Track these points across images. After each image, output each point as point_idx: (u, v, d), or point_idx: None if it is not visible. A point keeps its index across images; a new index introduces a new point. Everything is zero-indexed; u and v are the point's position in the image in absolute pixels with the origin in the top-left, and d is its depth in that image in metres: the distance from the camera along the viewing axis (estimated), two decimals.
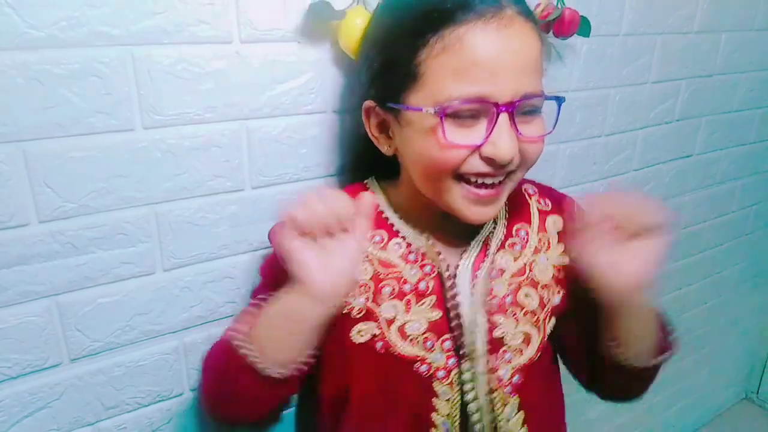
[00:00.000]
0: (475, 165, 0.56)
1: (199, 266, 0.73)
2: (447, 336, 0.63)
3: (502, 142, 0.54)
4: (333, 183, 0.79)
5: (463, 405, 0.65)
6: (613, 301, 0.61)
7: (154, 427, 0.76)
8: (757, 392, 1.98)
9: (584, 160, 1.10)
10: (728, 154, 1.40)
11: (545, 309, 0.68)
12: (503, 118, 0.54)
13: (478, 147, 0.55)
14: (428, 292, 0.64)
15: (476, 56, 0.52)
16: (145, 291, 0.70)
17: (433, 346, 0.63)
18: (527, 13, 0.56)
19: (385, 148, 0.64)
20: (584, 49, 0.99)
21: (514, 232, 0.69)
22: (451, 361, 0.64)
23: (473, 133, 0.55)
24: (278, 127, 0.72)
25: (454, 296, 0.64)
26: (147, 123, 0.64)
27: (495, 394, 0.65)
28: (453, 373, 0.64)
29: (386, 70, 0.59)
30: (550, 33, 0.86)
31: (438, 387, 0.64)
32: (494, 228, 0.68)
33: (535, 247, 0.69)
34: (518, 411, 0.66)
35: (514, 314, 0.66)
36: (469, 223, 0.61)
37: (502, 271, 0.66)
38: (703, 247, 1.49)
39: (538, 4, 0.83)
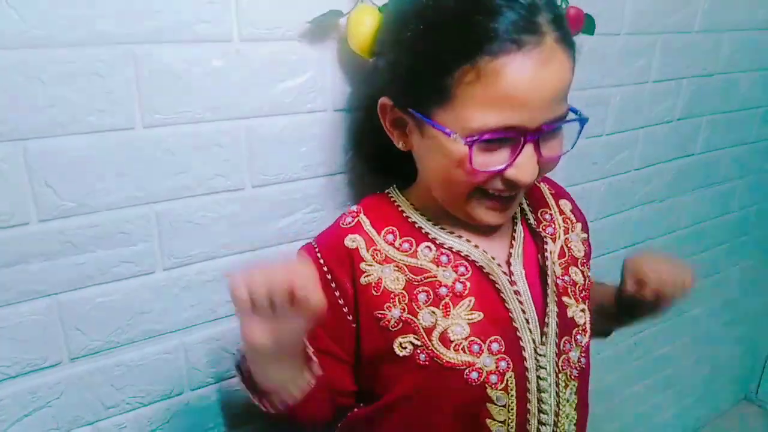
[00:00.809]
0: (496, 185, 0.58)
1: (200, 265, 0.73)
2: (495, 337, 0.61)
3: (525, 168, 0.55)
4: (333, 182, 0.79)
5: (519, 409, 0.63)
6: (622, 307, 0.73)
7: (154, 427, 0.76)
8: (757, 392, 1.98)
9: (585, 160, 1.10)
10: (729, 154, 1.40)
11: (585, 284, 0.71)
12: (529, 146, 0.55)
13: (501, 171, 0.56)
14: (466, 294, 0.62)
15: (512, 89, 0.51)
16: (145, 290, 0.70)
17: (480, 350, 0.61)
18: (566, 37, 0.54)
19: (400, 144, 0.64)
20: (585, 49, 0.99)
21: (540, 217, 0.71)
22: (503, 364, 0.61)
23: (497, 158, 0.55)
24: (279, 126, 0.72)
25: (514, 284, 0.64)
26: (147, 122, 0.64)
27: (560, 376, 0.65)
28: (507, 376, 0.62)
29: (413, 78, 0.57)
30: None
31: (492, 393, 0.61)
32: (525, 215, 0.70)
33: (564, 226, 0.71)
34: (574, 395, 0.67)
35: (573, 293, 0.68)
36: (485, 226, 0.63)
37: (551, 253, 0.68)
38: (703, 247, 1.49)
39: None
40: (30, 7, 0.54)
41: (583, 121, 0.59)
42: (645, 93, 1.13)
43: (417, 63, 0.56)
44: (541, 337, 0.64)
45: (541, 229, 0.69)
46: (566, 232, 0.71)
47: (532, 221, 0.69)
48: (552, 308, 0.65)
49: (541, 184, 0.75)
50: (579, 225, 0.74)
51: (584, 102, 1.04)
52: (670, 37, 1.11)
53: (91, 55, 0.59)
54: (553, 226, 0.70)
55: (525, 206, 0.71)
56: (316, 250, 0.65)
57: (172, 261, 0.71)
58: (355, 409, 0.70)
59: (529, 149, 0.55)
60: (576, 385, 0.67)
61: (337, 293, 0.63)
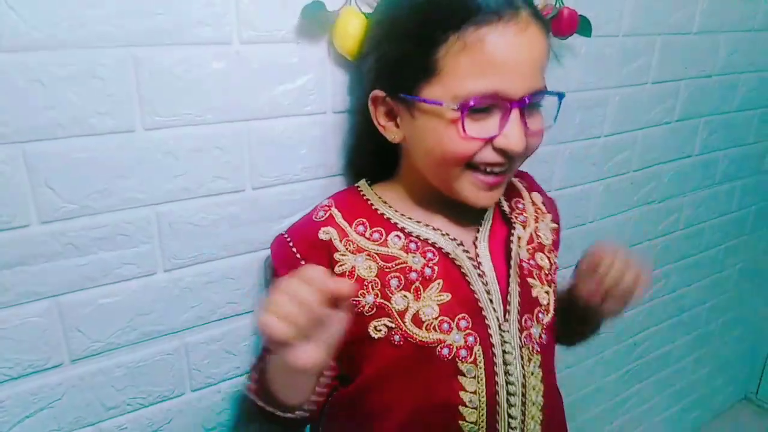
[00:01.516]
0: (487, 156, 0.61)
1: (200, 267, 0.73)
2: (462, 315, 0.65)
3: (514, 135, 0.59)
4: (333, 183, 0.79)
5: (488, 380, 0.66)
6: (584, 310, 0.74)
7: (155, 428, 0.76)
8: (757, 392, 1.98)
9: (583, 161, 1.10)
10: (728, 155, 1.40)
11: (551, 269, 0.75)
12: (515, 113, 0.59)
13: (492, 139, 0.60)
14: (434, 277, 0.66)
15: (495, 56, 0.56)
16: (146, 292, 0.70)
17: (450, 328, 0.65)
18: (538, 15, 0.60)
19: (392, 136, 0.66)
20: (584, 50, 0.99)
21: (513, 205, 0.76)
22: (470, 339, 0.66)
23: (487, 127, 0.59)
24: (278, 128, 0.73)
25: (478, 267, 0.67)
26: (148, 124, 0.64)
27: (523, 350, 0.68)
28: (475, 350, 0.66)
29: (401, 63, 0.61)
30: (550, 33, 0.86)
31: (462, 366, 0.65)
32: (500, 203, 0.74)
33: (534, 215, 0.77)
34: (538, 368, 0.70)
35: (539, 276, 0.72)
36: (475, 207, 0.66)
37: (519, 239, 0.72)
38: (703, 247, 1.49)
39: (536, 4, 0.83)
40: (30, 9, 0.55)
41: (561, 95, 0.65)
42: (643, 94, 1.14)
43: (403, 45, 0.61)
44: (505, 315, 0.68)
45: (513, 217, 0.74)
46: (536, 221, 0.76)
47: (505, 208, 0.74)
48: (514, 287, 0.69)
49: (515, 179, 0.80)
50: (549, 216, 0.79)
51: (583, 103, 1.04)
52: (668, 38, 1.11)
53: (91, 57, 0.59)
54: (525, 214, 0.76)
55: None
56: (290, 243, 0.68)
57: (173, 262, 0.71)
58: (335, 393, 0.72)
59: (516, 117, 0.59)
60: (539, 359, 0.70)
61: None
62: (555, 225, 0.80)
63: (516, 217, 0.74)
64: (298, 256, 0.67)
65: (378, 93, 0.64)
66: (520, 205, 0.76)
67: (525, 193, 0.79)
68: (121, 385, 0.72)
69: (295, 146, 0.75)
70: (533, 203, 0.78)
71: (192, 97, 0.66)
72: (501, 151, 0.60)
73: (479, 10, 0.56)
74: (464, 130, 0.58)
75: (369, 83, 0.67)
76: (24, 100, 0.57)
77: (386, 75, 0.64)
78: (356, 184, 0.74)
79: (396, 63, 0.62)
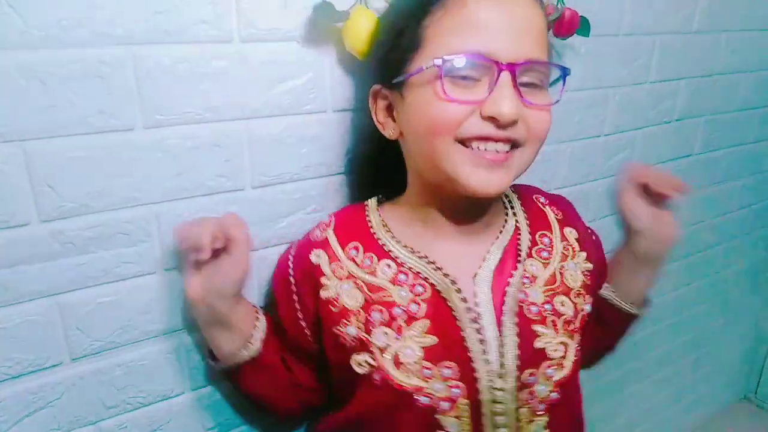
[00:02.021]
0: (476, 125, 0.55)
1: None
2: (447, 363, 0.59)
3: (504, 100, 0.53)
4: (333, 182, 0.79)
5: None
6: (646, 254, 0.74)
7: (155, 427, 0.76)
8: (756, 392, 1.98)
9: (584, 160, 1.10)
10: (728, 154, 1.40)
11: (578, 317, 0.66)
12: (505, 76, 0.54)
13: (479, 104, 0.55)
14: (420, 316, 0.60)
15: (477, 16, 0.53)
16: (146, 290, 0.70)
17: (431, 375, 0.59)
18: None
19: (389, 133, 0.64)
20: (584, 49, 0.99)
21: (538, 239, 0.67)
22: (455, 391, 0.59)
23: (474, 92, 0.55)
24: (279, 127, 0.72)
25: (470, 310, 0.61)
26: (148, 123, 0.64)
27: (521, 411, 0.61)
28: (459, 403, 0.59)
29: (393, 47, 0.60)
30: (550, 33, 0.86)
31: (443, 419, 0.59)
32: (519, 234, 0.67)
33: (562, 253, 0.68)
34: (544, 430, 0.63)
35: (554, 323, 0.63)
36: (474, 196, 0.58)
37: (535, 279, 0.64)
38: (703, 247, 1.49)
39: None
40: (30, 8, 0.55)
41: (565, 70, 0.59)
42: (643, 93, 1.13)
43: (394, 30, 0.60)
44: (501, 368, 0.60)
45: (534, 253, 0.66)
46: (563, 259, 0.68)
47: (527, 241, 0.66)
48: (510, 336, 0.60)
49: (548, 207, 0.72)
50: (583, 254, 0.70)
51: (582, 102, 1.04)
52: (668, 37, 1.11)
53: (91, 56, 0.59)
54: (549, 251, 0.67)
55: (523, 223, 0.69)
56: (290, 265, 0.69)
57: (173, 262, 0.71)
58: (325, 419, 0.72)
59: (506, 80, 0.54)
60: (546, 420, 0.62)
61: (298, 306, 0.66)
62: (590, 265, 0.70)
63: (538, 253, 0.66)
64: (292, 280, 0.67)
65: (375, 87, 0.64)
66: (546, 240, 0.68)
67: (556, 227, 0.70)
68: (121, 384, 0.72)
69: (296, 145, 0.74)
70: (564, 239, 0.70)
71: (192, 96, 0.66)
72: (492, 120, 0.54)
73: None
74: (444, 90, 0.54)
75: (370, 80, 0.66)
76: (24, 100, 0.57)
77: (381, 65, 0.63)
78: (366, 202, 0.71)
79: (388, 50, 0.61)
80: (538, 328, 0.62)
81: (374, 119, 0.66)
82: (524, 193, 0.74)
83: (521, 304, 0.62)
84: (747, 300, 1.76)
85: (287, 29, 0.69)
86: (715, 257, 1.55)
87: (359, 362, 0.61)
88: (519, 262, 0.64)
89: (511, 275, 0.63)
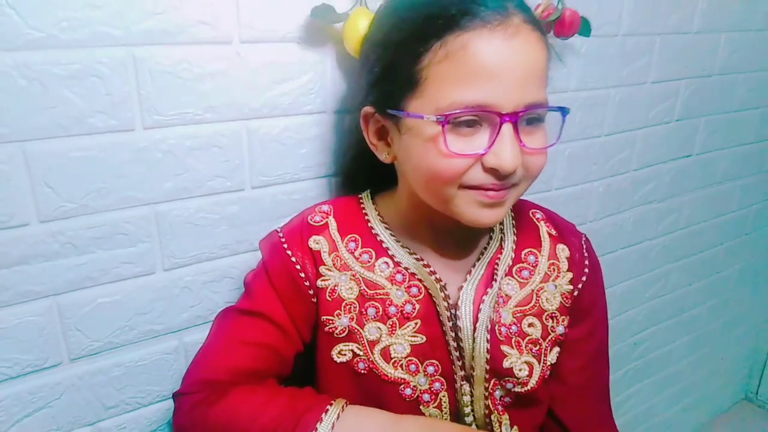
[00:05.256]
0: (478, 176, 0.55)
1: (199, 266, 0.73)
2: (432, 361, 0.63)
3: (506, 153, 0.53)
4: (332, 184, 0.79)
5: None
6: None
7: (154, 427, 0.76)
8: (757, 392, 1.98)
9: (584, 160, 1.10)
10: (728, 154, 1.40)
11: (548, 338, 0.67)
12: (506, 128, 0.53)
13: (481, 156, 0.54)
14: (413, 316, 0.63)
15: (480, 64, 0.51)
16: (145, 291, 0.70)
17: (417, 370, 0.63)
18: (534, 22, 0.54)
19: (383, 156, 0.63)
20: (584, 50, 0.99)
21: (522, 257, 0.68)
22: (437, 385, 0.64)
23: (475, 143, 0.54)
24: (278, 128, 0.72)
25: (452, 318, 0.63)
26: (147, 123, 0.64)
27: (493, 416, 0.66)
28: (441, 396, 0.64)
29: (387, 76, 0.58)
30: (551, 33, 0.86)
31: (425, 410, 0.64)
32: (501, 252, 0.67)
33: (545, 273, 0.68)
34: (511, 427, 0.67)
35: (518, 344, 0.65)
36: (477, 227, 0.59)
37: (508, 299, 0.65)
38: (703, 247, 1.49)
39: (539, 5, 0.83)
40: (30, 8, 0.55)
41: (564, 111, 0.58)
42: (643, 94, 1.13)
43: (389, 57, 0.57)
44: (470, 378, 0.64)
45: (514, 271, 0.66)
46: (545, 279, 0.67)
47: (508, 259, 0.67)
48: (480, 353, 0.63)
49: (542, 222, 0.71)
50: (569, 275, 0.68)
51: (582, 103, 1.04)
52: (668, 38, 1.11)
53: (91, 56, 0.59)
54: (531, 269, 0.67)
55: (509, 240, 0.68)
56: (283, 241, 0.65)
57: (172, 262, 0.71)
58: None
59: (507, 131, 0.53)
60: (508, 418, 0.66)
61: (303, 275, 0.64)
62: (570, 287, 0.68)
63: (519, 272, 0.66)
64: (294, 259, 0.64)
65: (368, 109, 0.61)
66: (531, 258, 0.68)
67: (546, 244, 0.69)
68: (120, 384, 0.72)
69: (295, 146, 0.74)
70: (552, 257, 0.69)
71: (192, 97, 0.66)
72: (492, 171, 0.54)
73: (463, 15, 0.51)
74: (446, 145, 0.53)
75: (360, 99, 0.63)
76: (24, 100, 0.57)
77: (374, 89, 0.60)
78: (359, 195, 0.70)
79: (381, 76, 0.58)
80: (505, 348, 0.64)
81: (366, 140, 0.64)
82: (519, 207, 0.73)
83: (493, 323, 0.64)
84: (747, 300, 1.76)
85: (287, 30, 0.69)
86: (715, 257, 1.55)
87: (342, 351, 0.63)
88: (494, 281, 0.65)
89: (486, 293, 0.65)
